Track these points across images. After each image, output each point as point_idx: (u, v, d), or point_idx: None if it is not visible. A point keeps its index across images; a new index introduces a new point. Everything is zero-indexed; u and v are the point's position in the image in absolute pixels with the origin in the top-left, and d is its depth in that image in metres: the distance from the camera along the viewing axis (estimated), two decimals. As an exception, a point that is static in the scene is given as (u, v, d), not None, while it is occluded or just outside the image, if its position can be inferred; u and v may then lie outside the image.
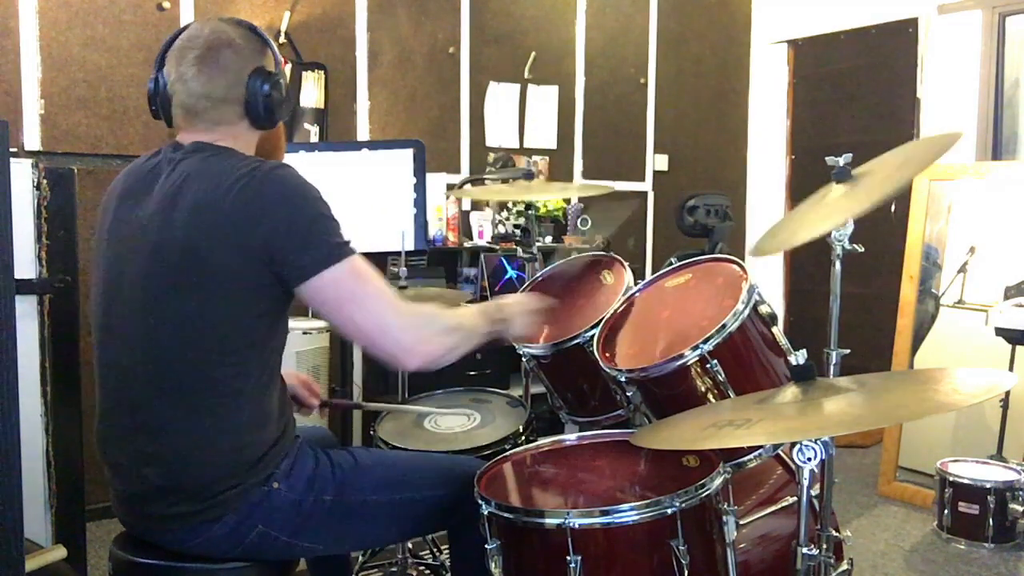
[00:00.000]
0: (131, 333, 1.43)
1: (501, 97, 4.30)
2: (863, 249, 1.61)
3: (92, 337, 1.53)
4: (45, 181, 2.14)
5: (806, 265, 5.00)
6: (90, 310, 1.53)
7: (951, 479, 3.02)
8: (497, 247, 3.95)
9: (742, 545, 1.64)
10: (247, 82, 1.48)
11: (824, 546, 1.62)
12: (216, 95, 1.48)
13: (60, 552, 1.60)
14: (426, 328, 1.45)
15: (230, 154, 1.48)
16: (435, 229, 3.85)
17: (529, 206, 2.57)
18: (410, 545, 2.37)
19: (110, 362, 1.48)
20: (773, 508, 1.77)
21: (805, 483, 1.35)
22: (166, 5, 3.36)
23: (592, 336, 1.78)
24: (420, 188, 2.71)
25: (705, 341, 1.55)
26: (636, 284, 1.90)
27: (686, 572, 1.34)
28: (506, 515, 1.41)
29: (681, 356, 1.56)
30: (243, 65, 1.48)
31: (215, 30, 1.50)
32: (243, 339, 1.41)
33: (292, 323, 2.32)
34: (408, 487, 1.58)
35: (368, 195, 2.71)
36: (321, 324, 3.52)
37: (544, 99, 4.45)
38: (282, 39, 3.62)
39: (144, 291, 1.42)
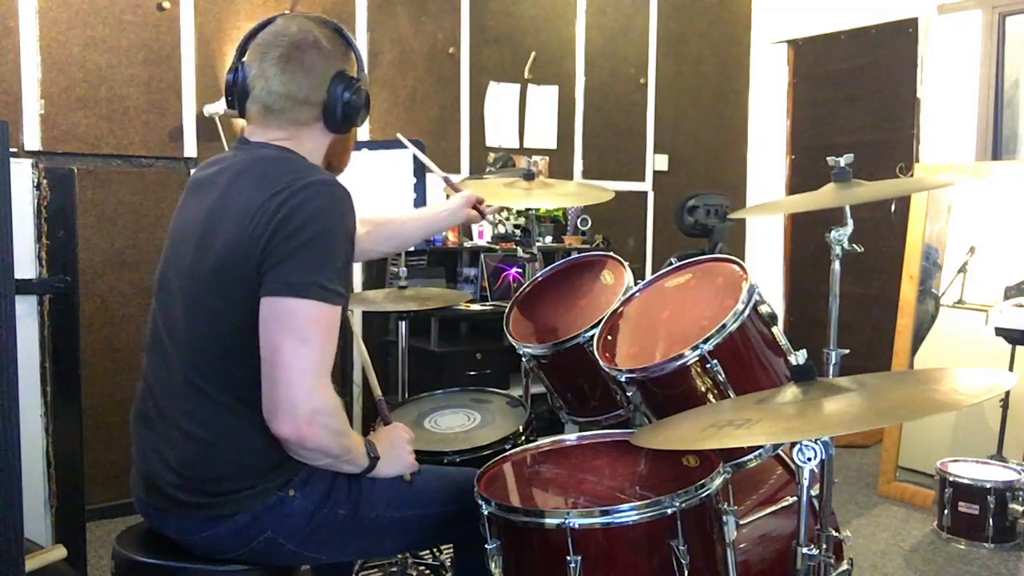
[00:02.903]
0: (174, 322, 1.45)
1: (501, 97, 4.30)
2: (863, 249, 1.62)
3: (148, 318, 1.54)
4: (45, 181, 2.14)
5: (806, 265, 4.99)
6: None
7: (951, 479, 3.02)
8: (497, 247, 3.94)
9: (742, 545, 1.64)
10: (329, 86, 1.47)
11: (824, 546, 1.62)
12: (298, 96, 1.46)
13: (60, 552, 1.60)
14: (325, 416, 1.34)
15: (290, 159, 1.46)
16: (435, 229, 3.84)
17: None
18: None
19: (155, 346, 1.50)
20: (773, 508, 1.77)
21: (805, 483, 1.35)
22: (166, 5, 3.36)
23: (592, 336, 1.78)
24: (420, 188, 2.71)
25: (705, 341, 1.55)
26: (636, 284, 1.90)
27: (686, 572, 1.34)
28: (506, 515, 1.41)
29: (681, 356, 1.56)
30: (327, 68, 1.47)
31: (302, 28, 1.48)
32: None
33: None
34: (421, 503, 1.58)
35: (368, 195, 2.71)
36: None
37: (544, 99, 4.45)
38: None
39: (187, 284, 1.44)
